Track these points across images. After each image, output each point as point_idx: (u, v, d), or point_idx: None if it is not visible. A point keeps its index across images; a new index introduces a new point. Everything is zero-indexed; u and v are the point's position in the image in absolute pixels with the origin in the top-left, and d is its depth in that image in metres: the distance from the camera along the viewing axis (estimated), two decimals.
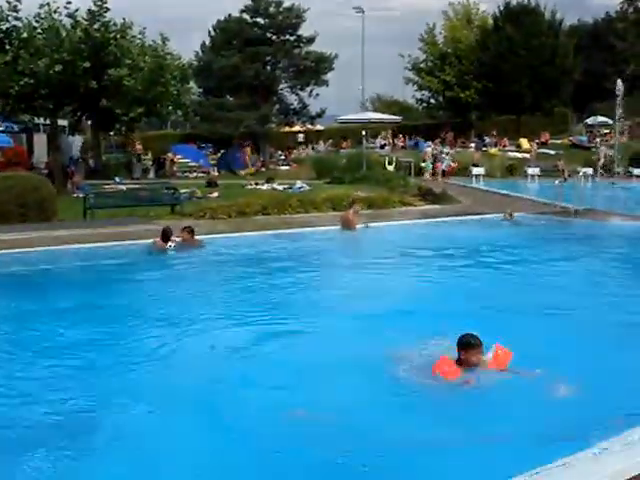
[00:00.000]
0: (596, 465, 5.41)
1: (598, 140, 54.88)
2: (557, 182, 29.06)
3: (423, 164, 41.64)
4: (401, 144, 56.29)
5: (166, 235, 16.42)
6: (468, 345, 7.79)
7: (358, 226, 20.16)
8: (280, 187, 32.24)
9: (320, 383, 8.06)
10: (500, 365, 7.97)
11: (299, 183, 32.41)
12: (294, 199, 24.63)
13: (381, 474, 5.98)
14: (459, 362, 7.85)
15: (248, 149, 45.12)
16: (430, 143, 49.20)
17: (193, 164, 44.92)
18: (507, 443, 6.38)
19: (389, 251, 17.73)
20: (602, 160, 42.25)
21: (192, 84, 43.51)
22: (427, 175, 40.33)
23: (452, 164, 42.87)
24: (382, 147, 53.35)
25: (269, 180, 34.65)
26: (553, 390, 7.43)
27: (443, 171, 41.24)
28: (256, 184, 33.74)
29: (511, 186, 35.50)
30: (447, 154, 44.48)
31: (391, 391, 7.79)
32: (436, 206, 26.53)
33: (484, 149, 50.99)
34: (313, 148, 56.99)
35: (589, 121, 60.62)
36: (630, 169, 43.17)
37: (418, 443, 6.41)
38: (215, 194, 29.12)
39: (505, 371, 7.95)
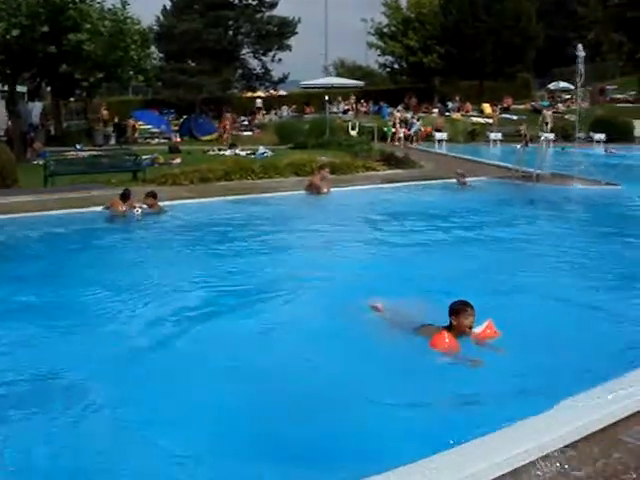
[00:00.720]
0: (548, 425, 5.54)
1: (560, 105, 55.32)
2: (519, 147, 29.16)
3: (393, 129, 41.64)
4: (364, 109, 56.21)
5: (125, 196, 16.32)
6: (463, 310, 7.78)
7: (325, 190, 20.21)
8: (243, 153, 32.08)
9: (283, 346, 8.16)
10: (482, 340, 7.93)
11: (262, 149, 32.27)
12: (257, 165, 24.58)
13: (347, 433, 6.06)
14: (450, 329, 7.80)
15: (229, 115, 44.76)
16: (400, 108, 49.24)
17: (155, 130, 44.51)
18: (472, 404, 6.52)
19: (352, 216, 17.81)
20: (550, 124, 42.56)
21: (153, 49, 43.01)
22: (396, 140, 40.34)
23: (422, 129, 42.94)
24: (345, 112, 53.27)
25: (232, 146, 34.49)
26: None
27: (411, 136, 41.33)
28: (219, 150, 33.56)
29: (473, 151, 35.71)
30: (418, 119, 44.50)
31: (357, 351, 7.87)
32: (399, 171, 26.57)
33: (447, 114, 51.10)
34: (276, 113, 56.70)
35: (551, 86, 61.03)
36: (591, 134, 43.55)
37: (382, 403, 6.54)
38: (177, 160, 28.89)
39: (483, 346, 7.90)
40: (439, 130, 41.24)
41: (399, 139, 40.39)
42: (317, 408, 6.50)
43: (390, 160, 27.82)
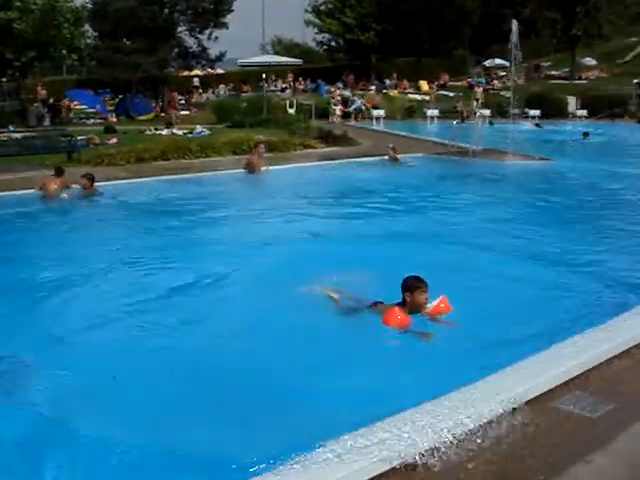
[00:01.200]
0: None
1: (495, 82, 55.89)
2: (454, 123, 29.49)
3: (333, 106, 41.69)
4: (302, 87, 56.06)
5: (59, 173, 16.16)
6: (417, 286, 7.70)
7: (263, 168, 20.21)
8: (180, 132, 31.78)
9: (223, 327, 8.14)
10: (435, 316, 7.95)
11: (199, 128, 31.99)
12: (194, 144, 24.41)
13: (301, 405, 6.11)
14: (403, 305, 7.77)
15: (175, 94, 44.17)
16: (339, 85, 49.26)
17: (90, 110, 43.79)
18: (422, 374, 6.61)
19: (289, 194, 17.85)
20: (480, 101, 43.07)
21: (87, 27, 42.23)
22: (335, 118, 40.40)
23: (364, 107, 43.06)
24: (283, 90, 53.05)
25: (169, 125, 34.14)
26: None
27: (350, 113, 41.44)
28: (155, 129, 33.21)
29: (411, 128, 35.93)
30: (360, 97, 44.59)
31: (306, 330, 7.89)
32: (336, 148, 26.64)
33: (384, 91, 51.22)
34: (214, 92, 56.19)
35: (487, 63, 61.54)
36: (526, 110, 44.13)
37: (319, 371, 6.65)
38: (113, 140, 28.50)
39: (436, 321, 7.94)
40: (376, 107, 41.38)
41: (338, 116, 40.44)
42: (265, 385, 6.52)
43: (328, 138, 27.88)
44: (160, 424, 5.83)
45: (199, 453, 5.25)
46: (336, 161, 23.37)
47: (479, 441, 5.03)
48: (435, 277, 8.72)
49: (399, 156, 23.13)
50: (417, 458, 4.69)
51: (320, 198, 17.32)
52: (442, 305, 7.99)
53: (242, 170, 20.44)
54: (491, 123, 34.96)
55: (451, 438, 4.96)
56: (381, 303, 8.05)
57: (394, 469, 4.63)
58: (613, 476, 4.63)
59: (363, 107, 42.91)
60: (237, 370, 6.85)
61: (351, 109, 41.93)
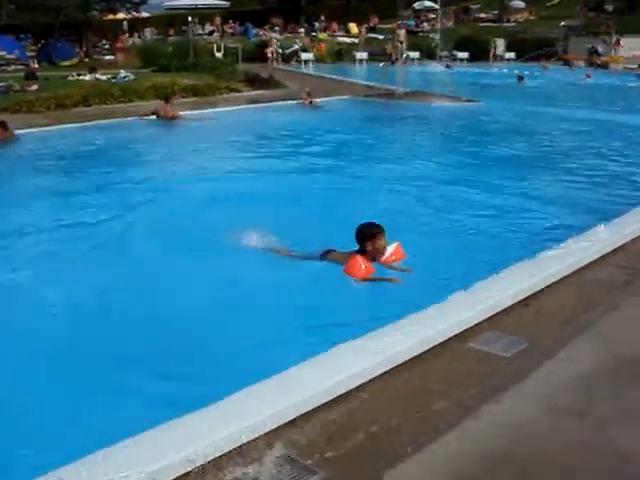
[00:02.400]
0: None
1: (425, 24, 55.78)
2: (381, 65, 29.32)
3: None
4: (230, 30, 55.17)
5: None
6: (378, 233, 7.50)
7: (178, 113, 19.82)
8: (104, 77, 30.95)
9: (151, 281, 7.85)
10: (391, 263, 7.77)
11: (123, 72, 31.16)
12: (116, 88, 23.82)
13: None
14: (362, 253, 7.52)
15: (125, 36, 42.99)
16: (268, 28, 48.61)
17: (10, 56, 42.36)
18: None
19: (210, 138, 17.56)
20: (405, 43, 42.93)
21: None
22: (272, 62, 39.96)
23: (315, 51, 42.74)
24: (210, 34, 52.13)
25: (92, 70, 33.18)
26: None
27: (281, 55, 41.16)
28: (78, 75, 32.28)
29: (340, 71, 35.70)
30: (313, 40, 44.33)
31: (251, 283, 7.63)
32: (263, 91, 26.34)
33: (313, 34, 50.74)
34: (139, 36, 54.97)
35: (416, 6, 61.21)
36: (454, 53, 44.24)
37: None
38: (34, 87, 27.55)
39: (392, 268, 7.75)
40: (305, 50, 40.96)
41: (273, 60, 40.01)
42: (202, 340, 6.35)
43: (254, 81, 27.53)
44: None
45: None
46: (263, 104, 23.03)
47: (390, 380, 4.98)
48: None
49: (317, 100, 22.81)
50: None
51: (243, 142, 17.06)
52: (395, 254, 7.80)
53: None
54: (448, 66, 34.91)
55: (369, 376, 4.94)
56: (333, 251, 7.76)
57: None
58: (524, 415, 4.61)
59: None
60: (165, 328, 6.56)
61: (287, 52, 41.45)
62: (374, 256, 7.55)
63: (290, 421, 4.42)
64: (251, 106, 22.93)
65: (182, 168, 14.01)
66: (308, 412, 4.53)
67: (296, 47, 42.56)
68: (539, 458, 4.16)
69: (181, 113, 20.04)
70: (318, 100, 23.30)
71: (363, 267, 7.38)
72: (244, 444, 4.16)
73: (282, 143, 16.88)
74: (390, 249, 7.70)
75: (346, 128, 19.36)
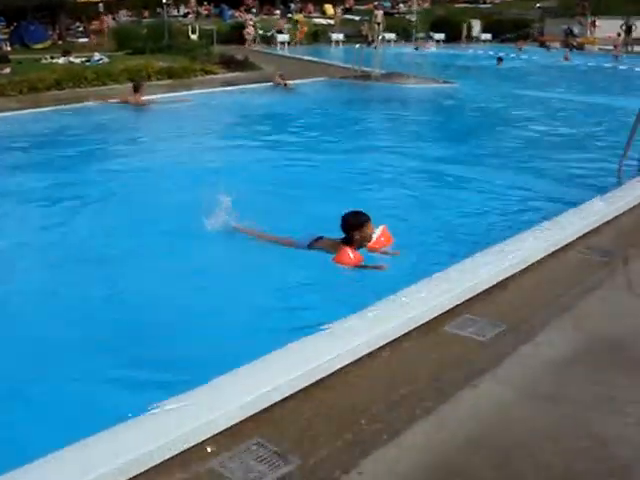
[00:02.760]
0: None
1: (401, 5, 55.55)
2: (357, 47, 29.17)
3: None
4: (205, 12, 54.72)
5: None
6: (363, 222, 7.30)
7: (156, 96, 19.57)
8: (78, 60, 30.60)
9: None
10: (377, 248, 7.63)
11: (97, 55, 30.81)
12: (90, 72, 23.50)
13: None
14: (348, 243, 7.32)
15: (104, 18, 42.42)
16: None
17: None
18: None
19: (184, 121, 17.38)
20: (382, 25, 42.92)
21: None
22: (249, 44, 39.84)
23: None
24: (185, 15, 51.63)
25: (65, 53, 32.80)
26: None
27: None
28: (52, 58, 31.89)
29: (315, 52, 35.56)
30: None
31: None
32: (238, 74, 26.16)
33: (289, 16, 50.41)
34: (114, 18, 54.33)
35: None
36: (430, 34, 44.14)
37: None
38: (6, 70, 27.20)
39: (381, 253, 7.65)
40: (281, 32, 40.71)
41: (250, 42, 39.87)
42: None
43: (230, 63, 27.32)
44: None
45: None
46: (237, 87, 22.83)
47: (365, 366, 4.94)
48: (334, 203, 8.65)
49: (290, 82, 22.68)
50: None
51: (215, 124, 16.88)
52: (383, 237, 7.66)
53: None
54: (417, 49, 34.87)
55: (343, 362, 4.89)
56: (323, 238, 7.61)
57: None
58: (500, 400, 4.59)
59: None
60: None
61: (268, 34, 41.29)
62: (361, 244, 7.40)
63: (264, 409, 4.38)
64: (224, 89, 22.65)
65: (152, 152, 13.82)
66: (281, 400, 4.49)
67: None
68: (515, 444, 4.14)
69: (153, 97, 19.73)
70: (292, 82, 23.17)
71: (352, 257, 7.22)
72: (217, 433, 4.12)
73: (254, 126, 16.72)
74: (377, 232, 7.56)
75: (321, 110, 19.29)
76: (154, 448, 3.85)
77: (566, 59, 36.48)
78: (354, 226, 7.29)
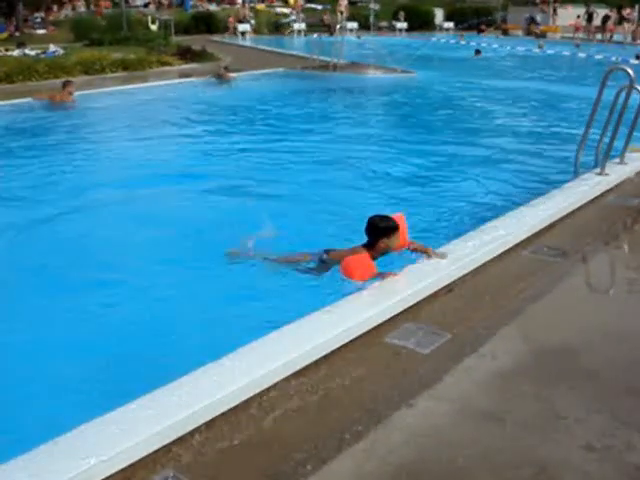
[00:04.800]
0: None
1: None
2: (315, 36, 28.86)
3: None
4: (167, 2, 54.00)
5: None
6: (394, 230, 6.38)
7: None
8: (33, 52, 29.91)
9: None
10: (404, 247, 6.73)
11: (53, 47, 30.16)
12: (42, 64, 22.82)
13: None
14: (371, 249, 6.40)
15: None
16: None
17: None
18: None
19: (136, 117, 16.89)
20: (345, 13, 42.60)
21: None
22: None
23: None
24: (146, 6, 50.93)
25: (20, 45, 32.09)
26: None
27: None
28: (6, 50, 31.17)
29: (277, 42, 35.21)
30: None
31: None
32: (195, 65, 25.68)
33: (251, 5, 49.86)
34: (73, 8, 53.46)
35: None
36: (393, 23, 43.86)
37: None
38: None
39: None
40: (241, 21, 40.20)
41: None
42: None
43: (187, 54, 26.82)
44: None
45: None
46: (193, 79, 22.31)
47: (290, 384, 4.58)
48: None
49: (233, 75, 22.28)
50: None
51: (162, 119, 16.37)
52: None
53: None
54: (359, 37, 34.56)
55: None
56: (334, 250, 6.77)
57: None
58: (437, 421, 4.25)
59: None
60: None
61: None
62: (384, 253, 6.52)
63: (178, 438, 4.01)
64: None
65: (78, 150, 13.32)
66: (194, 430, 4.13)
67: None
68: (449, 473, 3.80)
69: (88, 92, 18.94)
70: (241, 74, 22.72)
71: (365, 265, 6.22)
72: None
73: (184, 121, 16.09)
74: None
75: (274, 101, 18.92)
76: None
77: (540, 47, 36.24)
78: (383, 232, 6.36)
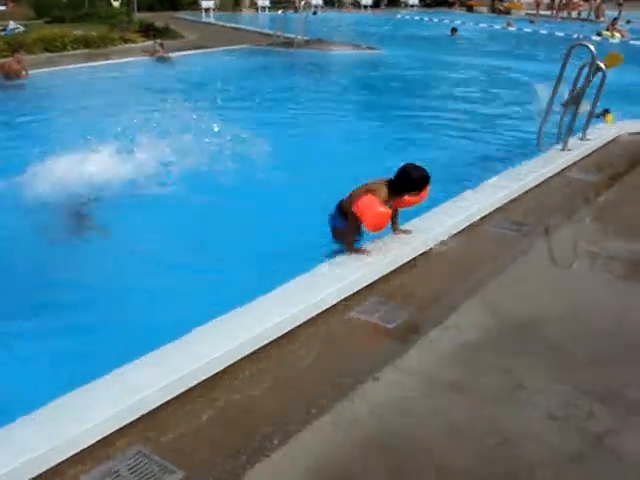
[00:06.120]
0: None
1: None
2: (280, 12, 28.65)
3: None
4: None
5: None
6: (426, 184, 5.98)
7: (23, 73, 18.30)
8: None
9: None
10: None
11: (12, 24, 29.60)
12: (1, 42, 22.40)
13: None
14: (394, 193, 5.94)
15: None
16: None
17: None
18: None
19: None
20: None
21: None
22: None
23: None
24: None
25: None
26: None
27: None
28: None
29: (241, 19, 34.95)
30: None
31: None
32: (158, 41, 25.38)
33: None
34: None
35: None
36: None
37: None
38: None
39: None
40: None
41: None
42: None
43: (149, 31, 26.51)
44: None
45: None
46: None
47: (257, 361, 4.59)
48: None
49: (171, 55, 21.73)
50: None
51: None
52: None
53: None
54: (315, 13, 34.39)
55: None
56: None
57: None
58: (400, 393, 4.29)
59: None
60: None
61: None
62: (400, 207, 6.21)
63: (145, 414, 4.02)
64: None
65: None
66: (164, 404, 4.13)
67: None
68: (414, 444, 3.85)
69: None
70: (204, 51, 22.47)
71: (381, 210, 5.78)
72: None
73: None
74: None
75: (237, 78, 18.72)
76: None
77: (508, 25, 36.15)
78: (417, 184, 5.91)
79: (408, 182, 5.89)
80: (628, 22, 35.08)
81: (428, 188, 6.03)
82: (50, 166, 8.87)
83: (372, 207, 5.75)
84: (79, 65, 20.13)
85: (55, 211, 7.92)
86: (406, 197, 5.99)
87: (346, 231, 6.11)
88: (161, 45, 21.83)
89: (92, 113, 13.36)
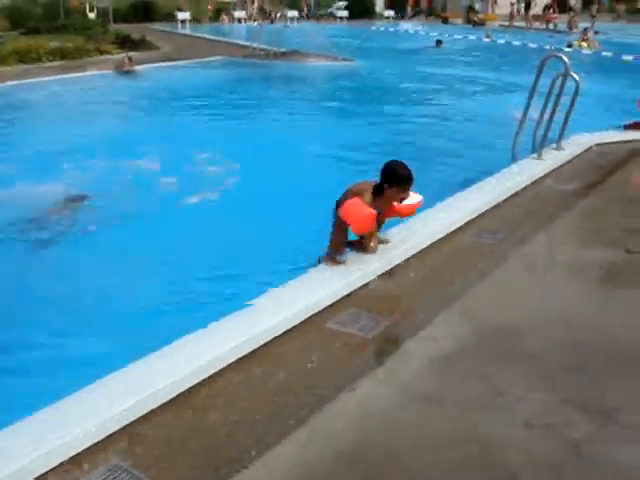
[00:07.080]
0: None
1: None
2: (255, 24, 28.78)
3: None
4: None
5: None
6: (409, 180, 5.98)
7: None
8: None
9: None
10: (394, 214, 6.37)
11: None
12: None
13: None
14: (379, 193, 5.97)
15: None
16: None
17: None
18: None
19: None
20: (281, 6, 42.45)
21: None
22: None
23: None
24: None
25: None
26: None
27: None
28: None
29: (217, 31, 35.00)
30: None
31: None
32: (134, 54, 25.31)
33: None
34: None
35: None
36: (334, 11, 43.86)
37: None
38: None
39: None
40: (181, 9, 39.77)
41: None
42: None
43: (125, 43, 26.50)
44: None
45: None
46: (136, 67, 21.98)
47: (233, 374, 4.55)
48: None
49: (137, 68, 21.70)
50: None
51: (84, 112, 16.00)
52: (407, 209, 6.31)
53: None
54: (286, 26, 34.61)
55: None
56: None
57: None
58: (377, 404, 4.27)
59: None
60: None
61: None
62: (384, 205, 6.09)
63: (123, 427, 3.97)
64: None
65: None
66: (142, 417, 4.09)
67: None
68: (391, 456, 3.82)
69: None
70: (178, 63, 22.41)
71: (366, 213, 5.79)
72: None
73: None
74: (413, 199, 6.22)
75: (211, 90, 18.77)
76: None
77: (487, 37, 36.41)
78: (399, 179, 5.93)
79: (390, 174, 5.94)
80: (596, 33, 35.46)
81: (419, 198, 6.21)
82: None
83: (357, 209, 5.77)
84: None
85: None
86: (395, 204, 6.06)
87: (331, 236, 6.14)
88: (129, 59, 21.64)
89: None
